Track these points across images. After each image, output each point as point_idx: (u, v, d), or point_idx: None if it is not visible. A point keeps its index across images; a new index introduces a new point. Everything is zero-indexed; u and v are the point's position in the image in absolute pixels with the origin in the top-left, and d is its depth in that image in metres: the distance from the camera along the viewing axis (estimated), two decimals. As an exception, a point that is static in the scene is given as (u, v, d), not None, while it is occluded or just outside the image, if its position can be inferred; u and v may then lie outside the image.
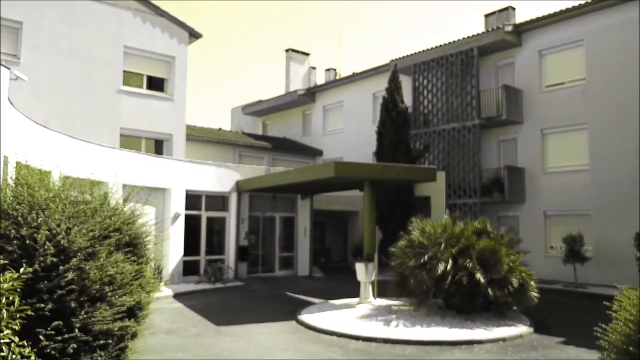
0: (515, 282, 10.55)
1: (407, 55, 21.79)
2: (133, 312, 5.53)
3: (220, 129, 26.66)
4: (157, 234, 16.08)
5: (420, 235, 11.69)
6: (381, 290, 13.47)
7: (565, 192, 17.71)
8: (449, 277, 10.66)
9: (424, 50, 21.23)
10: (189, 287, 15.58)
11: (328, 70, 31.00)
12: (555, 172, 18.22)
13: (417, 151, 20.10)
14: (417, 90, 21.45)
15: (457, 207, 19.04)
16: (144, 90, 18.65)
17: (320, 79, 31.34)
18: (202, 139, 22.96)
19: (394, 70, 20.16)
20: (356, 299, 13.13)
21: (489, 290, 10.45)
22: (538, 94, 18.81)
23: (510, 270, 10.72)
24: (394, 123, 19.08)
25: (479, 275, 10.47)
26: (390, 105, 19.34)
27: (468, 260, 10.78)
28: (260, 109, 30.20)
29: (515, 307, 10.78)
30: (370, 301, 12.81)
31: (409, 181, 13.50)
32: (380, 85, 22.88)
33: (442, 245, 11.05)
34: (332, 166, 12.09)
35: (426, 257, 10.99)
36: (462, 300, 10.82)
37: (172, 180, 16.49)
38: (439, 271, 10.66)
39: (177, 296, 14.33)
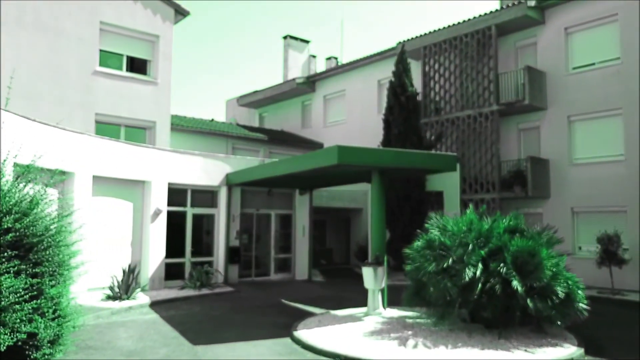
0: (560, 291, 8.56)
1: (416, 37, 19.81)
2: (19, 354, 3.54)
3: (212, 120, 24.69)
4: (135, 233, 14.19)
5: (441, 234, 9.72)
6: (391, 297, 11.51)
7: (596, 186, 15.73)
8: (479, 285, 8.68)
9: (434, 31, 19.25)
10: (171, 294, 13.61)
11: (329, 58, 28.99)
12: (585, 164, 16.23)
13: (428, 141, 18.11)
14: (428, 75, 19.46)
15: (473, 203, 17.03)
16: (124, 73, 16.65)
17: (320, 68, 29.33)
18: (191, 129, 20.99)
19: (401, 51, 18.18)
20: (363, 310, 11.16)
21: (529, 302, 8.47)
22: (564, 77, 16.81)
23: (554, 276, 8.73)
24: (403, 109, 17.09)
25: (515, 283, 8.50)
26: (399, 89, 17.36)
27: (502, 264, 8.80)
28: (256, 100, 28.21)
29: (559, 322, 8.77)
30: (379, 312, 10.83)
31: (425, 171, 11.54)
32: (386, 71, 20.95)
33: (470, 247, 9.07)
34: (335, 151, 10.11)
35: (450, 260, 9.01)
36: (494, 313, 8.83)
37: (152, 172, 14.52)
38: (467, 278, 8.68)
39: (155, 305, 12.36)
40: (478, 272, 8.75)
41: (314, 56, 29.77)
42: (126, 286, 12.45)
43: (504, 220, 9.94)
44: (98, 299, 12.27)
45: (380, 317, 10.57)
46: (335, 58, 28.72)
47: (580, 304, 8.78)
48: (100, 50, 16.18)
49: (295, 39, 28.91)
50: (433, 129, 18.85)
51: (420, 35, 19.68)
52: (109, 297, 12.34)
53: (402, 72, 17.51)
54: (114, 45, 16.54)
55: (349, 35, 60.18)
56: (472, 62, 18.13)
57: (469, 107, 17.99)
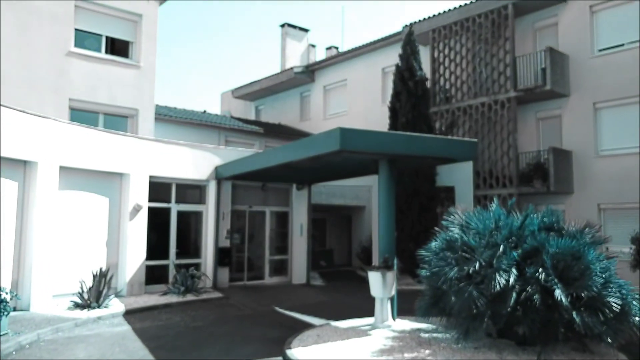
0: (614, 303, 6.98)
1: (424, 19, 18.25)
2: None
3: (205, 111, 23.12)
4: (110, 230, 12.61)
5: (463, 232, 8.15)
6: (400, 305, 9.91)
7: (626, 180, 14.15)
8: (513, 295, 7.09)
9: (444, 12, 17.67)
10: (150, 301, 12.03)
11: (329, 48, 27.40)
12: (612, 156, 14.66)
13: (439, 131, 16.52)
14: (437, 60, 17.89)
15: (488, 200, 15.48)
16: (102, 54, 15.07)
17: (320, 58, 27.65)
18: (180, 120, 19.43)
19: (409, 32, 16.56)
20: (369, 321, 9.58)
21: (574, 316, 6.88)
22: (589, 60, 15.24)
23: (605, 284, 7.16)
24: (411, 95, 15.49)
25: (559, 293, 6.92)
26: (406, 73, 15.75)
27: (540, 269, 7.22)
28: (252, 91, 26.61)
29: (610, 340, 7.18)
30: (389, 325, 9.24)
31: (441, 159, 9.96)
32: (391, 58, 19.36)
33: (501, 248, 7.49)
34: (337, 135, 8.53)
35: (477, 265, 7.43)
36: (531, 329, 7.23)
37: (131, 163, 12.94)
38: (498, 286, 7.10)
39: (130, 314, 10.77)
40: (511, 279, 7.17)
41: (313, 45, 28.20)
42: (97, 292, 10.86)
43: (538, 216, 8.40)
44: (64, 308, 10.68)
45: (389, 330, 8.98)
46: (336, 48, 27.13)
47: (637, 318, 7.20)
48: (76, 30, 14.60)
49: (294, 27, 27.33)
50: (443, 119, 17.27)
51: (429, 17, 18.11)
52: (77, 306, 10.75)
53: (409, 54, 15.91)
54: (92, 25, 14.95)
55: (350, 24, 58.40)
56: (486, 45, 16.56)
57: (483, 94, 16.41)
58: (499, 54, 16.19)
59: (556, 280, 7.07)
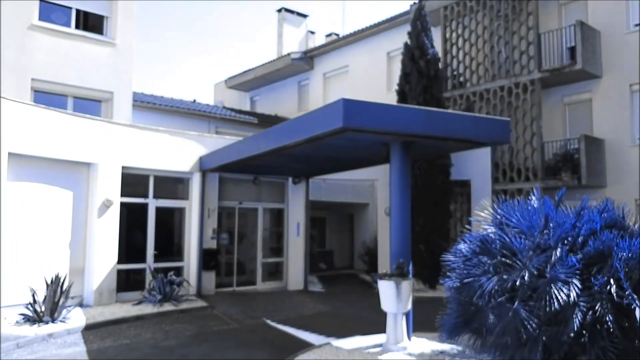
0: None
1: (435, -4, 16.45)
2: None
3: (194, 101, 21.32)
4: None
5: (501, 232, 6.35)
6: (413, 317, 8.13)
7: (669, 172, 12.40)
8: (578, 316, 5.31)
9: (458, -13, 15.89)
10: (120, 312, 10.24)
11: (329, 35, 25.57)
12: (652, 145, 12.91)
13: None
14: (449, 41, 16.12)
15: (508, 195, 13.70)
16: (72, 30, 13.28)
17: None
18: (165, 108, 17.63)
19: (419, 7, 14.71)
20: (379, 339, 7.82)
21: (660, 343, 5.10)
22: (624, 36, 13.46)
23: (698, 301, 5.37)
24: (422, 76, 13.66)
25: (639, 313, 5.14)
26: (417, 52, 13.91)
27: (610, 280, 5.43)
28: (247, 80, 24.77)
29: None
30: (404, 346, 7.45)
31: (467, 142, 8.15)
32: (397, 41, 17.57)
33: (558, 251, 5.71)
34: (340, 108, 6.75)
35: (526, 274, 5.63)
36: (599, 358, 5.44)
37: (100, 152, 11.17)
38: (557, 303, 5.32)
39: (91, 329, 8.99)
40: (573, 294, 5.38)
41: (312, 32, 26.39)
42: (51, 304, 9.07)
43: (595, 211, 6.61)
44: (12, 322, 8.90)
45: (405, 354, 7.20)
46: (337, 34, 25.30)
47: None
48: (41, 1, 12.81)
49: (291, 12, 25.52)
50: (457, 105, 15.48)
51: (440, -6, 16.32)
52: (27, 319, 8.97)
53: (420, 31, 14.06)
54: (59, -5, 13.17)
55: (351, 14, 56.27)
56: (505, 21, 14.77)
57: (502, 77, 14.63)
58: (521, 30, 14.41)
59: (635, 296, 5.29)
